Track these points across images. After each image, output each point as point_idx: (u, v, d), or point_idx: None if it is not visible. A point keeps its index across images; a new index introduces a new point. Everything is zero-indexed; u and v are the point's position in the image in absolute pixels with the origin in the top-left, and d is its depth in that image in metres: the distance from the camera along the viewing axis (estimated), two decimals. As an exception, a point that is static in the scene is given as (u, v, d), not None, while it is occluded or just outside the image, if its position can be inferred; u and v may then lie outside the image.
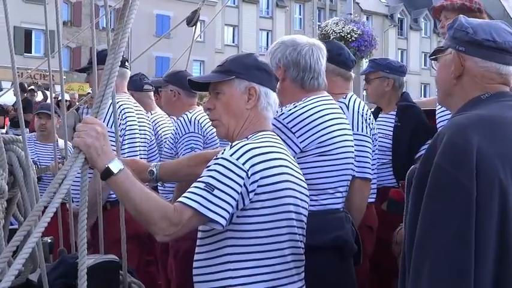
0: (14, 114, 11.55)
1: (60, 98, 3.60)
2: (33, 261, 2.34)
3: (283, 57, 2.66)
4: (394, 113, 4.02)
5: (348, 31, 13.69)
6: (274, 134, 2.25)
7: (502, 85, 1.83)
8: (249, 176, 1.99)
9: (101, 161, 1.86)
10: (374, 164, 3.30)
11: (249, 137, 2.15)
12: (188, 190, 1.99)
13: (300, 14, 45.89)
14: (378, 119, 4.06)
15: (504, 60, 1.81)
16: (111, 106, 3.54)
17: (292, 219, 2.12)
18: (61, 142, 4.53)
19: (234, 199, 1.96)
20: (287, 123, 2.56)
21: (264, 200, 2.03)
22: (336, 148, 2.63)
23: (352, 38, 13.64)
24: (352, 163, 2.78)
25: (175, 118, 4.45)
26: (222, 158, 2.01)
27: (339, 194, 2.71)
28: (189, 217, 1.93)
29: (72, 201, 3.35)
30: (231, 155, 2.01)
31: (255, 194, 2.00)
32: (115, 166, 1.87)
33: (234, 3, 41.10)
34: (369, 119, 3.24)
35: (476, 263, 1.59)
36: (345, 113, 3.07)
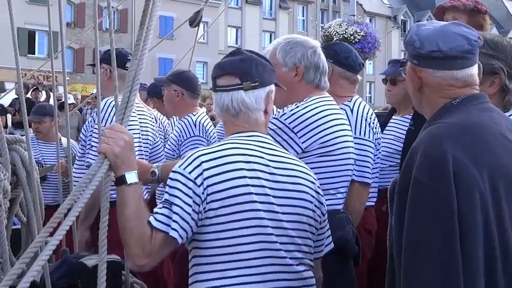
0: (19, 119, 11.55)
1: (63, 99, 3.60)
2: (33, 260, 2.35)
3: (303, 58, 2.66)
4: (409, 116, 3.88)
5: (351, 32, 13.69)
6: (249, 135, 2.07)
7: (467, 88, 1.82)
8: (198, 185, 1.90)
9: (122, 170, 1.89)
10: (375, 168, 3.28)
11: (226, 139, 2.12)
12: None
13: (303, 16, 45.87)
14: (392, 121, 3.99)
15: (456, 66, 1.81)
16: (111, 107, 3.56)
17: (267, 226, 1.96)
18: (64, 141, 4.53)
19: (186, 212, 1.88)
20: (289, 124, 2.57)
21: (217, 209, 1.91)
22: (338, 149, 2.64)
23: (355, 39, 13.62)
24: (353, 164, 2.78)
25: (176, 118, 4.45)
26: (172, 170, 1.97)
27: (339, 195, 2.71)
28: (159, 240, 1.88)
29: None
30: (179, 166, 1.96)
31: (207, 203, 1.91)
32: (131, 178, 1.90)
33: (237, 5, 41.10)
34: (373, 123, 3.23)
35: (467, 273, 1.58)
36: (348, 117, 3.07)
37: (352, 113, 3.12)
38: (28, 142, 2.30)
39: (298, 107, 2.61)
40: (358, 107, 3.17)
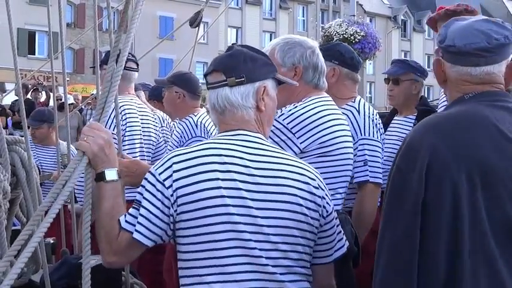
0: (18, 119, 11.56)
1: (63, 99, 3.59)
2: (35, 262, 2.35)
3: (302, 58, 2.65)
4: (412, 117, 3.90)
5: (351, 33, 13.70)
6: (233, 134, 1.95)
7: (485, 85, 1.81)
8: (167, 187, 1.84)
9: (102, 167, 1.90)
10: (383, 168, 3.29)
11: None
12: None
13: (303, 16, 45.88)
14: (394, 121, 3.98)
15: (470, 63, 1.81)
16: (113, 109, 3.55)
17: (243, 231, 1.84)
18: (63, 145, 4.52)
19: (154, 214, 1.83)
20: (287, 124, 2.56)
21: (189, 212, 1.83)
22: (337, 149, 2.63)
23: (356, 39, 13.64)
24: (351, 164, 2.78)
25: (177, 120, 4.44)
26: (148, 171, 1.92)
27: (338, 196, 2.71)
28: (125, 239, 1.85)
29: (76, 202, 3.35)
30: (153, 167, 1.90)
31: (177, 206, 1.83)
32: (110, 175, 1.90)
33: (237, 5, 41.12)
34: (378, 123, 3.24)
35: (426, 257, 1.63)
36: (355, 118, 3.08)
37: (359, 114, 3.13)
38: (27, 143, 2.30)
39: (296, 107, 2.60)
40: (364, 107, 3.18)
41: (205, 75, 2.03)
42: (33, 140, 5.34)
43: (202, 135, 3.94)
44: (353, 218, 3.02)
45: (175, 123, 4.81)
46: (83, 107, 9.35)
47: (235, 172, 1.87)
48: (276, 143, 2.42)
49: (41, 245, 2.30)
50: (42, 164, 5.25)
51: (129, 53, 3.80)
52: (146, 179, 1.89)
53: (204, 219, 1.83)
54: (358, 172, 3.02)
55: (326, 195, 2.00)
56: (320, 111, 2.61)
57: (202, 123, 3.98)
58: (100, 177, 1.90)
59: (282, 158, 1.96)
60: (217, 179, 1.84)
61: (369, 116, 3.15)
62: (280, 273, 1.87)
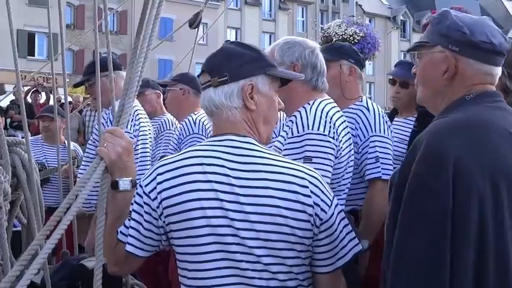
0: (19, 118, 11.57)
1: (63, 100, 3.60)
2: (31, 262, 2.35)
3: (301, 57, 2.66)
4: (412, 118, 3.83)
5: (351, 33, 13.68)
6: (219, 139, 1.86)
7: (489, 85, 1.79)
8: (152, 199, 1.80)
9: (117, 175, 1.90)
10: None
11: None
12: None
13: (302, 17, 45.87)
14: (394, 123, 3.94)
15: (496, 62, 1.77)
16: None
17: (230, 244, 1.76)
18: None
19: (144, 227, 1.81)
20: (323, 132, 2.58)
21: (175, 223, 1.79)
22: (344, 149, 2.65)
23: (355, 40, 13.62)
24: (352, 166, 2.79)
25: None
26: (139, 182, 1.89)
27: (343, 195, 2.74)
28: (121, 250, 1.85)
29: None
30: (142, 178, 1.86)
31: (165, 217, 1.79)
32: (123, 185, 1.90)
33: (236, 6, 41.11)
34: (388, 121, 3.27)
35: (455, 273, 1.55)
36: (366, 116, 3.09)
37: (369, 111, 3.14)
38: (28, 144, 2.30)
39: (306, 109, 2.60)
40: (373, 105, 3.21)
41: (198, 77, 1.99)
42: (46, 134, 5.42)
43: (200, 133, 3.95)
44: (363, 216, 3.03)
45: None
46: (82, 108, 9.33)
47: (216, 182, 1.78)
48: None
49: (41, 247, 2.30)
50: (49, 162, 5.30)
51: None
52: (136, 190, 1.86)
53: (188, 231, 1.78)
54: (370, 169, 3.03)
55: (322, 200, 1.83)
56: (334, 113, 2.64)
57: (201, 121, 3.99)
58: (113, 185, 1.90)
59: (270, 165, 1.82)
60: (198, 189, 1.77)
61: (379, 113, 3.17)
62: (268, 286, 1.79)
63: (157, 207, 1.80)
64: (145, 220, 1.82)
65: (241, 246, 1.77)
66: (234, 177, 1.79)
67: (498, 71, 1.79)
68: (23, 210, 2.33)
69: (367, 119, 3.09)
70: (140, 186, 1.84)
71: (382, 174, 3.01)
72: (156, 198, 1.80)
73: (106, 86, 3.07)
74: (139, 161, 3.66)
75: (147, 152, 3.83)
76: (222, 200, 1.77)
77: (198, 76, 2.02)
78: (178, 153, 1.88)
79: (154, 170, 1.84)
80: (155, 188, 1.80)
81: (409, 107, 3.91)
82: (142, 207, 1.82)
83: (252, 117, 1.88)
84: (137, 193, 1.84)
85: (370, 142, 3.06)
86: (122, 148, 1.88)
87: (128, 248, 1.83)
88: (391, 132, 3.26)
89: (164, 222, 1.80)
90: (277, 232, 1.78)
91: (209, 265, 1.78)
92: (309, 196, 1.81)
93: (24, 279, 1.62)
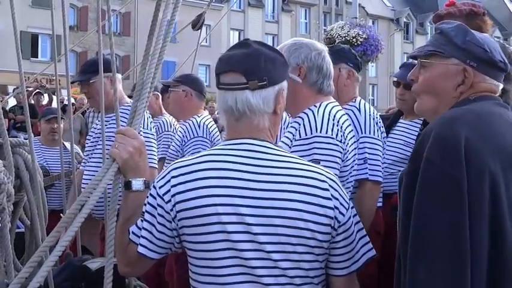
0: (21, 118, 11.58)
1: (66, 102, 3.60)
2: (40, 264, 2.35)
3: (307, 59, 2.65)
4: (418, 121, 3.80)
5: (354, 35, 13.69)
6: (238, 142, 1.84)
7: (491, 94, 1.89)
8: (166, 201, 1.78)
9: (130, 175, 1.89)
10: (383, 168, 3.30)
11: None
12: None
13: (305, 18, 45.88)
14: (399, 125, 3.92)
15: (501, 79, 1.88)
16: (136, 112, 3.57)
17: (245, 250, 1.74)
18: (68, 145, 4.52)
19: (158, 230, 1.80)
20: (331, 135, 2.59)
21: (189, 227, 1.77)
22: (350, 152, 2.66)
23: (358, 42, 13.62)
24: (353, 167, 2.79)
25: (181, 121, 4.47)
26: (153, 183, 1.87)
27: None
28: (132, 251, 1.83)
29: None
30: (156, 178, 1.85)
31: (178, 220, 1.78)
32: (136, 185, 1.89)
33: (239, 7, 41.16)
34: (379, 122, 3.27)
35: (471, 258, 1.58)
36: (356, 116, 3.10)
37: (360, 112, 3.16)
38: (31, 145, 2.30)
39: (313, 112, 2.60)
40: (364, 106, 3.22)
41: (218, 74, 1.87)
42: (53, 137, 5.26)
43: (205, 136, 3.96)
44: None
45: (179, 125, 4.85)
46: (85, 109, 9.33)
47: (232, 187, 1.76)
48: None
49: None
50: (50, 165, 5.19)
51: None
52: (150, 192, 1.85)
53: (202, 236, 1.76)
54: (358, 170, 3.02)
55: (341, 204, 1.83)
56: (340, 116, 2.65)
57: (205, 124, 4.00)
58: (127, 186, 1.89)
59: (289, 168, 1.81)
60: (213, 195, 1.75)
61: (370, 115, 3.18)
62: None
63: (171, 210, 1.78)
64: (158, 222, 1.80)
65: (259, 252, 1.75)
66: (253, 181, 1.77)
67: (501, 86, 1.89)
68: (26, 212, 2.33)
69: (358, 120, 3.11)
70: (154, 187, 1.82)
71: (370, 175, 3.01)
72: (169, 200, 1.78)
73: (105, 87, 3.12)
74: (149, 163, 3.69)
75: (157, 150, 3.88)
76: (238, 206, 1.75)
77: (219, 74, 1.91)
78: (193, 157, 1.85)
79: (169, 172, 1.83)
80: (169, 190, 1.79)
81: (413, 110, 3.88)
82: (155, 209, 1.80)
83: (275, 121, 1.89)
84: (151, 194, 1.83)
85: (360, 143, 3.08)
86: (134, 148, 1.87)
87: (140, 249, 1.81)
88: (383, 133, 3.26)
89: (177, 225, 1.79)
90: (297, 236, 1.77)
91: (224, 271, 1.76)
92: (330, 199, 1.81)
93: (34, 282, 1.62)
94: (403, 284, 1.69)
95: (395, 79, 3.94)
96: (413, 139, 3.69)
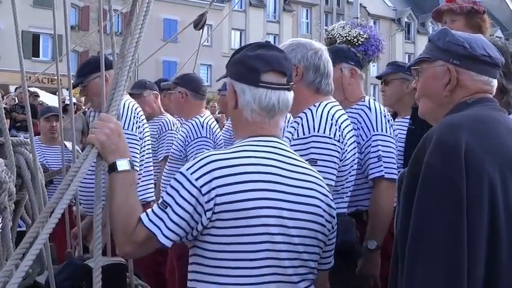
0: (23, 117, 11.59)
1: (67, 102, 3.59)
2: (40, 263, 2.36)
3: (303, 58, 2.64)
4: (407, 116, 3.82)
5: (355, 35, 13.71)
6: (266, 140, 1.93)
7: (488, 94, 1.90)
8: (203, 193, 1.78)
9: (112, 157, 1.87)
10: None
11: (236, 142, 1.99)
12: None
13: (306, 18, 45.87)
14: (394, 123, 3.98)
15: (493, 74, 1.89)
16: (129, 110, 3.53)
17: (277, 242, 1.84)
18: (69, 144, 4.52)
19: (183, 219, 1.78)
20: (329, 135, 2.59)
21: (226, 220, 1.79)
22: (349, 152, 2.65)
23: (359, 41, 13.64)
24: (356, 168, 2.79)
25: (182, 120, 4.48)
26: (179, 171, 1.86)
27: (346, 198, 2.73)
28: (143, 236, 1.81)
29: (80, 204, 3.36)
30: (187, 169, 1.83)
31: (213, 213, 1.78)
32: (122, 165, 1.86)
33: (241, 8, 41.14)
34: (390, 120, 3.26)
35: (468, 260, 1.60)
36: (367, 115, 3.09)
37: (370, 110, 3.15)
38: (32, 144, 2.31)
39: (312, 112, 2.60)
40: (375, 104, 3.21)
41: (258, 71, 1.91)
42: (52, 135, 5.31)
43: (208, 136, 3.98)
44: (370, 216, 3.01)
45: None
46: (86, 109, 9.35)
47: (273, 182, 1.86)
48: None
49: (46, 247, 2.30)
50: (49, 163, 5.22)
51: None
52: (179, 181, 1.82)
53: (241, 229, 1.80)
54: (372, 168, 3.02)
55: (335, 207, 2.04)
56: (339, 116, 2.65)
57: (208, 125, 4.02)
58: (112, 168, 1.86)
59: (306, 167, 1.99)
60: (257, 189, 1.82)
61: (381, 112, 3.16)
62: (298, 282, 1.90)
63: (207, 202, 1.78)
64: (188, 213, 1.78)
65: (288, 244, 1.86)
66: (286, 177, 1.89)
67: (495, 82, 1.90)
68: (27, 211, 2.33)
69: (369, 119, 3.10)
70: (186, 178, 1.81)
71: (385, 173, 3.00)
72: (208, 192, 1.78)
73: (100, 87, 3.11)
74: (145, 162, 3.67)
75: (149, 152, 3.84)
76: (277, 200, 1.85)
77: (262, 72, 1.92)
78: (229, 151, 1.89)
79: (207, 163, 1.82)
80: (209, 182, 1.79)
81: (402, 106, 3.96)
82: (188, 201, 1.78)
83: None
84: (182, 186, 1.80)
85: (373, 141, 3.06)
86: (110, 129, 1.86)
87: (162, 240, 1.78)
88: (394, 131, 3.25)
89: (210, 218, 1.79)
90: (316, 230, 1.94)
91: (256, 263, 1.82)
92: (332, 200, 2.03)
93: (20, 271, 1.61)
94: (400, 284, 1.71)
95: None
96: (404, 134, 3.74)
